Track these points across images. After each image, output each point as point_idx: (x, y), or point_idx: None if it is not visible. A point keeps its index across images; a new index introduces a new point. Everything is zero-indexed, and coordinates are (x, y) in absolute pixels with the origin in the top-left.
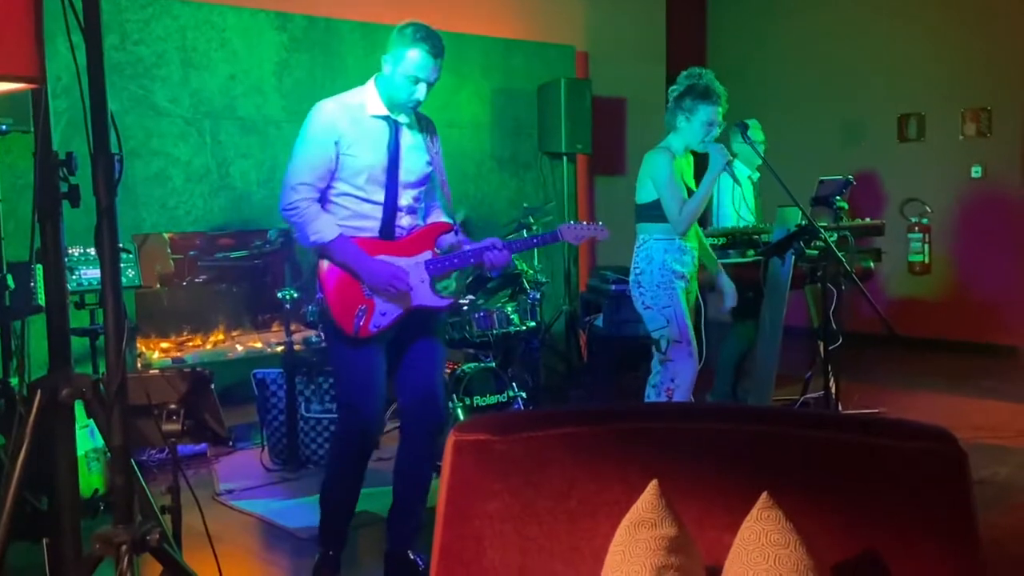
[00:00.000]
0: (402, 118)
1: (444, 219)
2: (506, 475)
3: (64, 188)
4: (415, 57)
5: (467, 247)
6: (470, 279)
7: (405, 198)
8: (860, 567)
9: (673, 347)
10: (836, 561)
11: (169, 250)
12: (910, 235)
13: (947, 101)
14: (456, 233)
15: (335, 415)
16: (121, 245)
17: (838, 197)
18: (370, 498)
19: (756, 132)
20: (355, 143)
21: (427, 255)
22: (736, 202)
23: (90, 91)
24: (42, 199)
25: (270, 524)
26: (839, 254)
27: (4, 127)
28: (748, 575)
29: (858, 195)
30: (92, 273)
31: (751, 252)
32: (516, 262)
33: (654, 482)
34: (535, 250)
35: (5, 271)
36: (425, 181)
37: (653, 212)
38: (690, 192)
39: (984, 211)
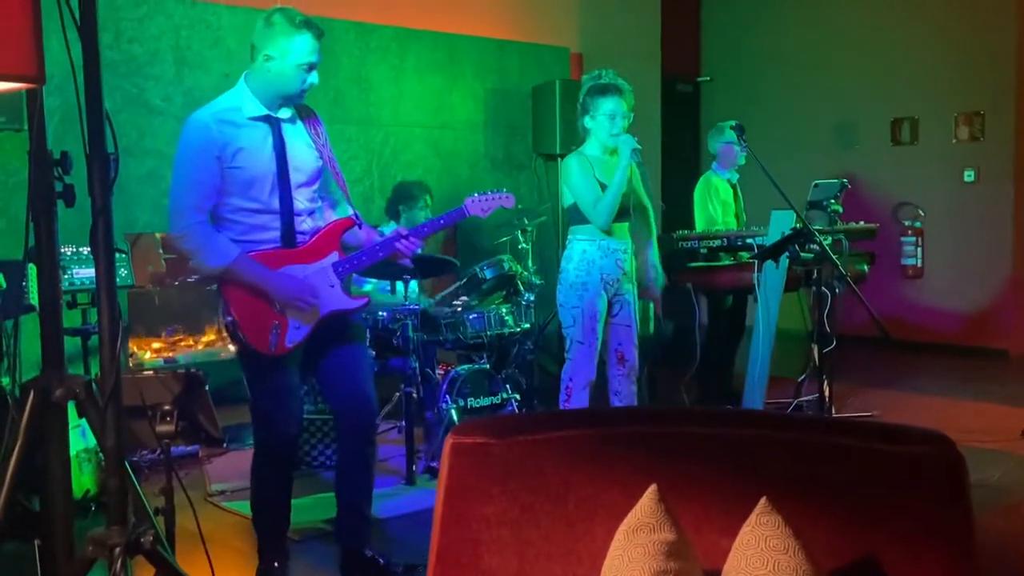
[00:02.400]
0: (282, 114)
1: (346, 213)
2: (504, 478)
3: (59, 187)
4: (304, 43)
5: (376, 241)
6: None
7: (301, 201)
8: (858, 571)
9: (575, 347)
10: (835, 566)
11: (161, 250)
12: (903, 239)
13: (940, 105)
14: (360, 226)
15: (328, 415)
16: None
17: (832, 200)
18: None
19: (728, 135)
20: (239, 153)
21: (333, 257)
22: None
23: (86, 90)
24: (36, 198)
25: None
26: (834, 257)
27: None
28: None
29: (851, 199)
30: (85, 272)
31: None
32: (511, 264)
33: (653, 486)
34: (529, 253)
35: None
36: (318, 177)
37: (574, 214)
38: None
39: (977, 215)
